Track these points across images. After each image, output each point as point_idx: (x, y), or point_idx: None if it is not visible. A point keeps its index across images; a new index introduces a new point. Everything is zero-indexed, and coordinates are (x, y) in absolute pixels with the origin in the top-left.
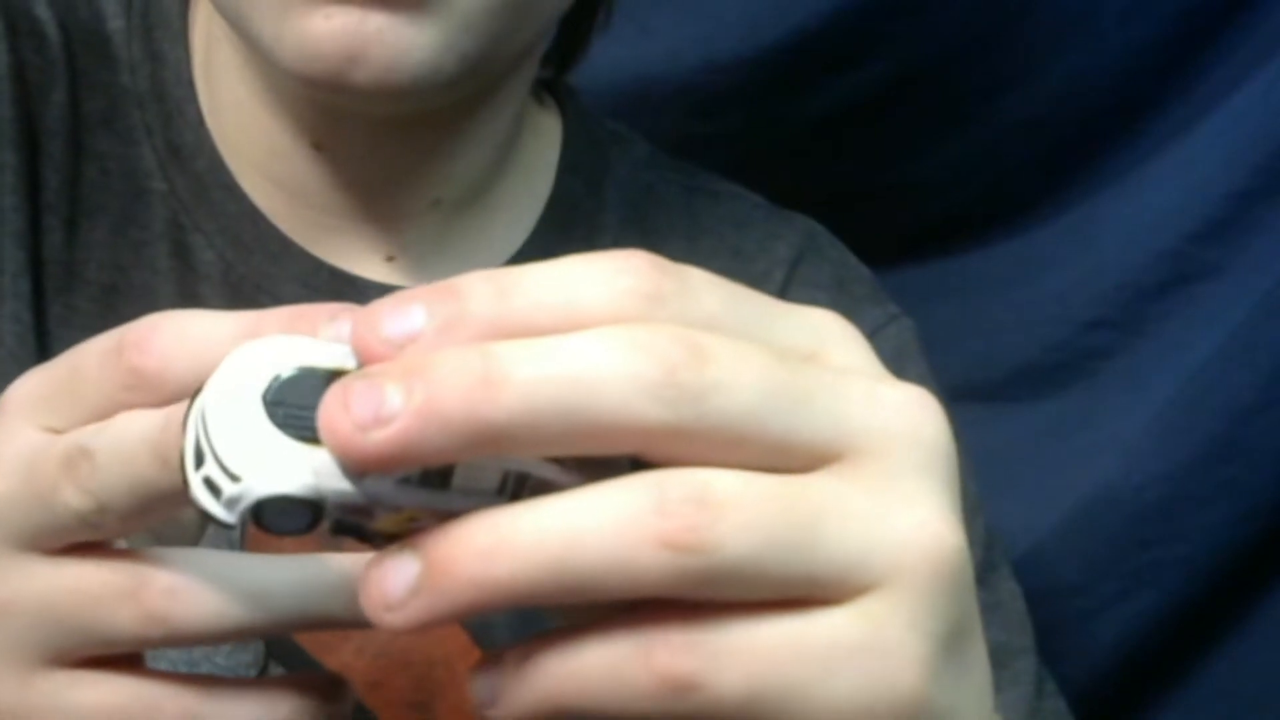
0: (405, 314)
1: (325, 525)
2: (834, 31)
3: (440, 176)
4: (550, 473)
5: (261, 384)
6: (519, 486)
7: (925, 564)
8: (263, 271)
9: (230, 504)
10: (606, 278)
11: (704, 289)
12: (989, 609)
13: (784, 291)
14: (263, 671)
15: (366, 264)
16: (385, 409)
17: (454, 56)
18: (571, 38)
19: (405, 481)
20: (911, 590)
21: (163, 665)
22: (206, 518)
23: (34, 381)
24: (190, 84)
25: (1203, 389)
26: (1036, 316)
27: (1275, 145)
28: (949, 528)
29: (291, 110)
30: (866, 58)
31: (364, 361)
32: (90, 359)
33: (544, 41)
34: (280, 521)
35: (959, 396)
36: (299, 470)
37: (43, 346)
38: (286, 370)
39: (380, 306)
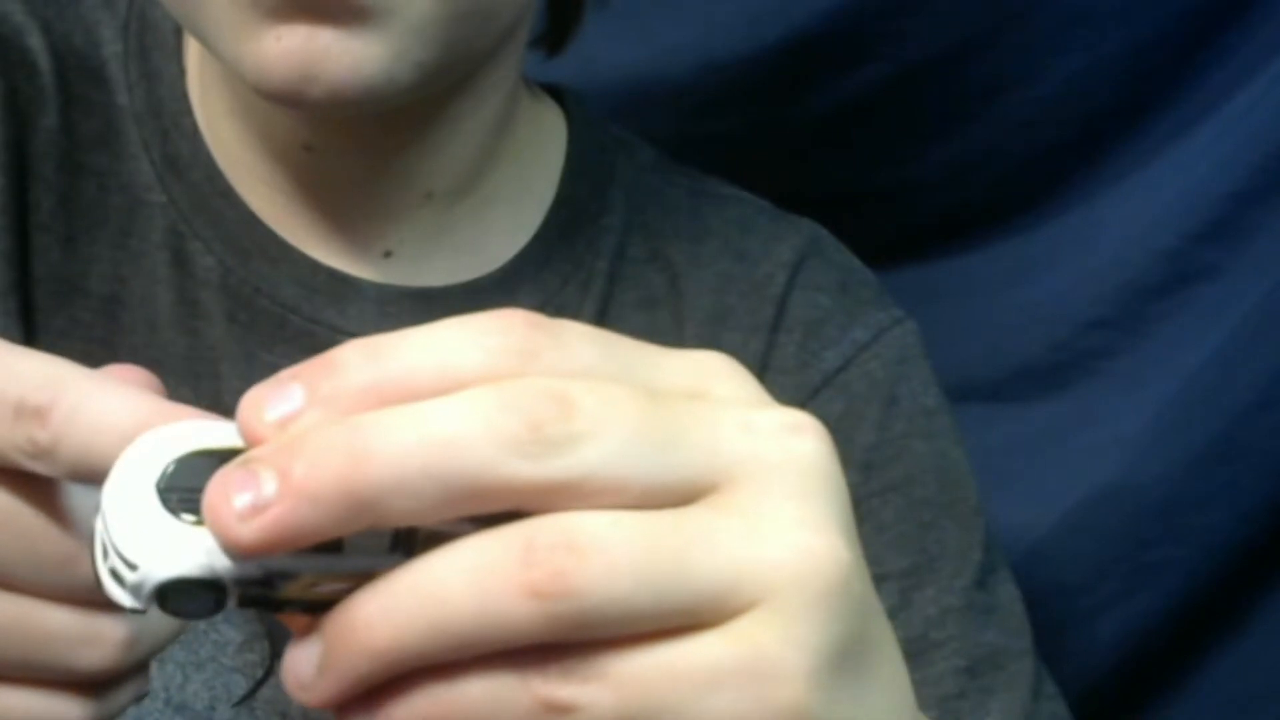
0: (285, 395)
1: (231, 603)
2: (833, 31)
3: (429, 168)
4: (431, 525)
5: (155, 472)
6: (410, 541)
7: (800, 581)
8: (261, 275)
9: (135, 591)
10: (478, 338)
11: (578, 341)
12: (987, 612)
13: (787, 294)
14: (269, 670)
15: (365, 262)
16: (261, 496)
17: (408, 65)
18: (561, 20)
19: (302, 550)
20: (787, 608)
21: (169, 667)
22: (119, 607)
23: None
24: (185, 97)
25: (1203, 389)
26: (1037, 316)
27: (1275, 146)
28: (825, 544)
29: (278, 115)
30: (866, 58)
31: (250, 446)
32: None
33: (525, 27)
34: (187, 605)
35: (959, 397)
36: (193, 552)
37: None
38: (180, 455)
39: (261, 390)
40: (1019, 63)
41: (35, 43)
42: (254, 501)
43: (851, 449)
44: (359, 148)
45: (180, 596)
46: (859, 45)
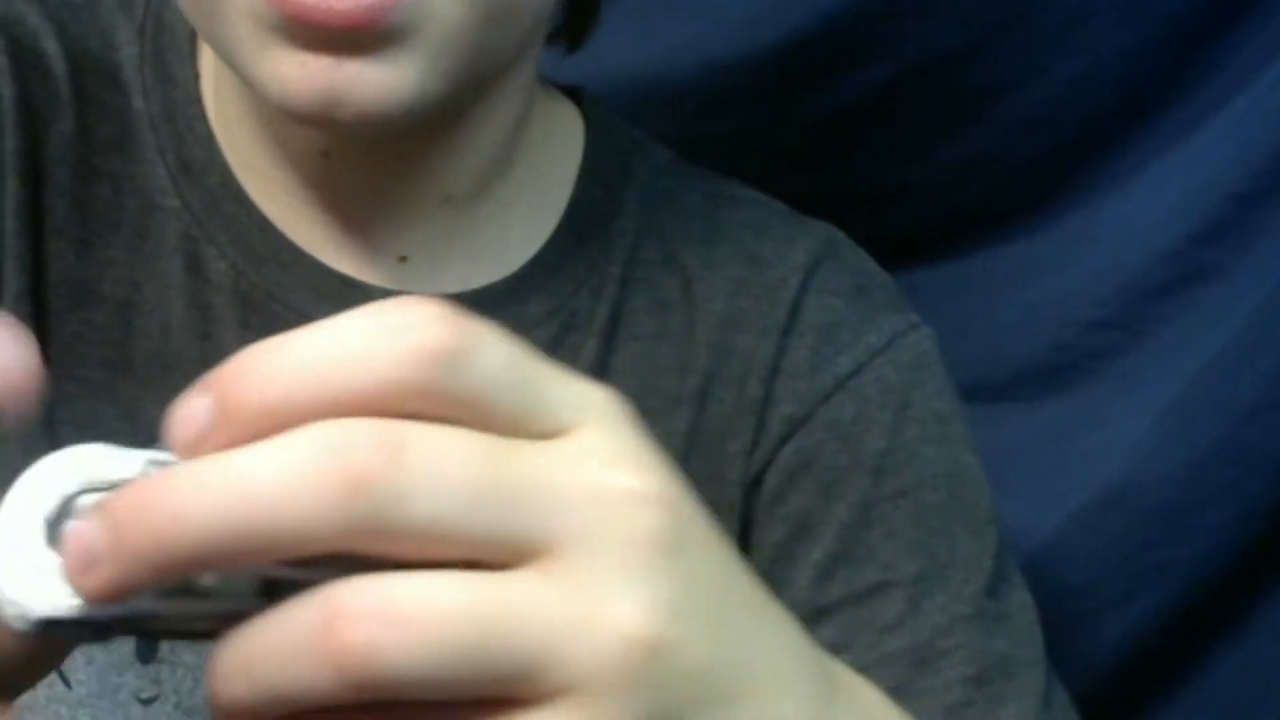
0: (193, 409)
1: (117, 634)
2: (834, 32)
3: (448, 171)
4: (294, 574)
5: (49, 503)
6: (273, 585)
7: (615, 666)
8: (274, 280)
9: (19, 622)
10: (390, 337)
11: (492, 350)
12: (997, 620)
13: (800, 298)
14: None
15: (379, 267)
16: (92, 553)
17: (437, 78)
18: (580, 16)
19: (164, 594)
20: (603, 692)
21: (179, 670)
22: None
23: None
24: (199, 101)
25: (1205, 390)
26: (1040, 317)
27: (1277, 147)
28: (645, 627)
29: (295, 122)
30: (867, 58)
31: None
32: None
33: (545, 26)
34: (72, 634)
35: (963, 397)
36: (65, 593)
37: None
38: (77, 486)
39: (181, 403)
40: (1019, 65)
41: (51, 46)
42: (88, 556)
43: (862, 453)
44: (377, 153)
45: (60, 629)
46: (859, 46)
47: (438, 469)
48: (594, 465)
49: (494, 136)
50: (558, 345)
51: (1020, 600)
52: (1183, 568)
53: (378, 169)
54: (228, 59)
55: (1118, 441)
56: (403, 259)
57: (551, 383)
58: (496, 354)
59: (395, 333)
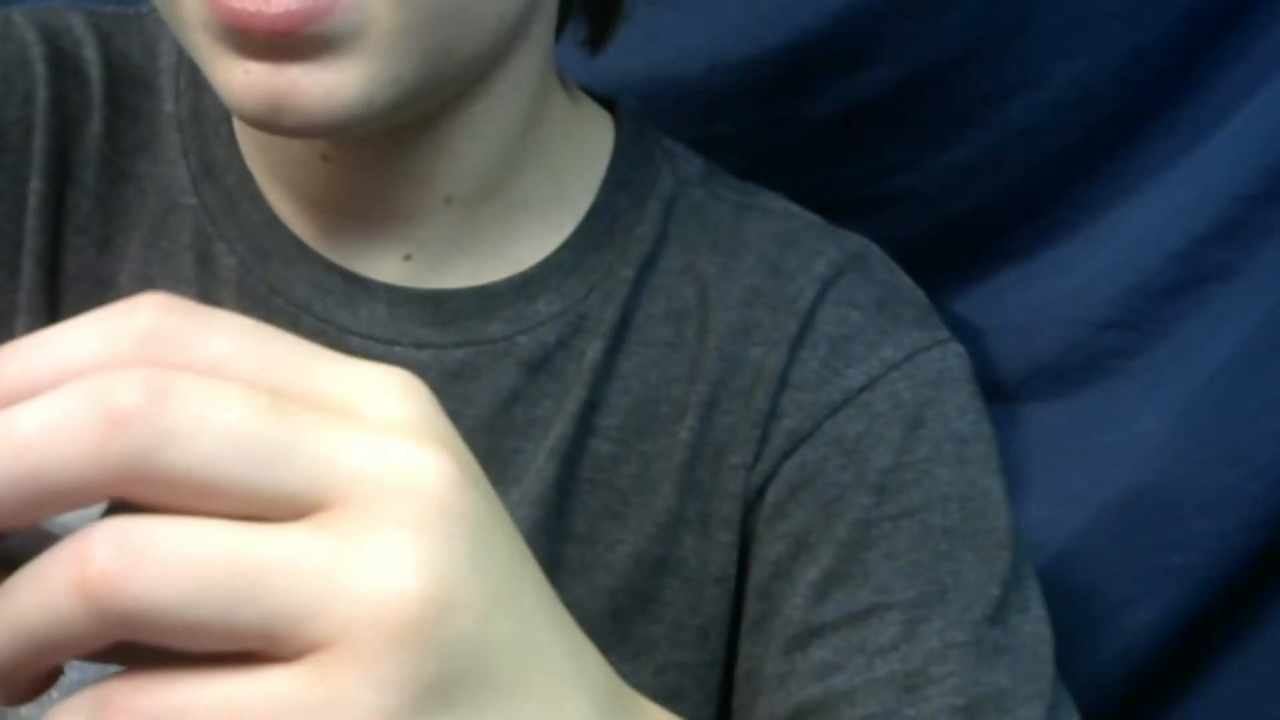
0: None
1: None
2: (839, 33)
3: (448, 173)
4: None
5: None
6: None
7: (383, 620)
8: (277, 275)
9: None
10: (99, 325)
11: (216, 331)
12: (998, 650)
13: (815, 309)
14: None
15: (384, 265)
16: None
17: (384, 84)
18: (600, 18)
19: None
20: (368, 647)
21: None
22: None
23: None
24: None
25: (1216, 393)
26: (1051, 317)
27: None
28: (418, 584)
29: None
30: (870, 61)
31: None
32: None
33: (544, 28)
34: None
35: None
36: None
37: None
38: None
39: None
40: (1022, 68)
41: (90, 54)
42: None
43: (867, 471)
44: (375, 156)
45: None
46: (862, 49)
47: (207, 411)
48: (382, 432)
49: (495, 138)
50: (563, 346)
51: (1033, 632)
52: (1189, 573)
53: (377, 171)
54: (196, 63)
55: (1130, 443)
56: (407, 257)
57: (316, 363)
58: (226, 336)
59: (109, 324)
